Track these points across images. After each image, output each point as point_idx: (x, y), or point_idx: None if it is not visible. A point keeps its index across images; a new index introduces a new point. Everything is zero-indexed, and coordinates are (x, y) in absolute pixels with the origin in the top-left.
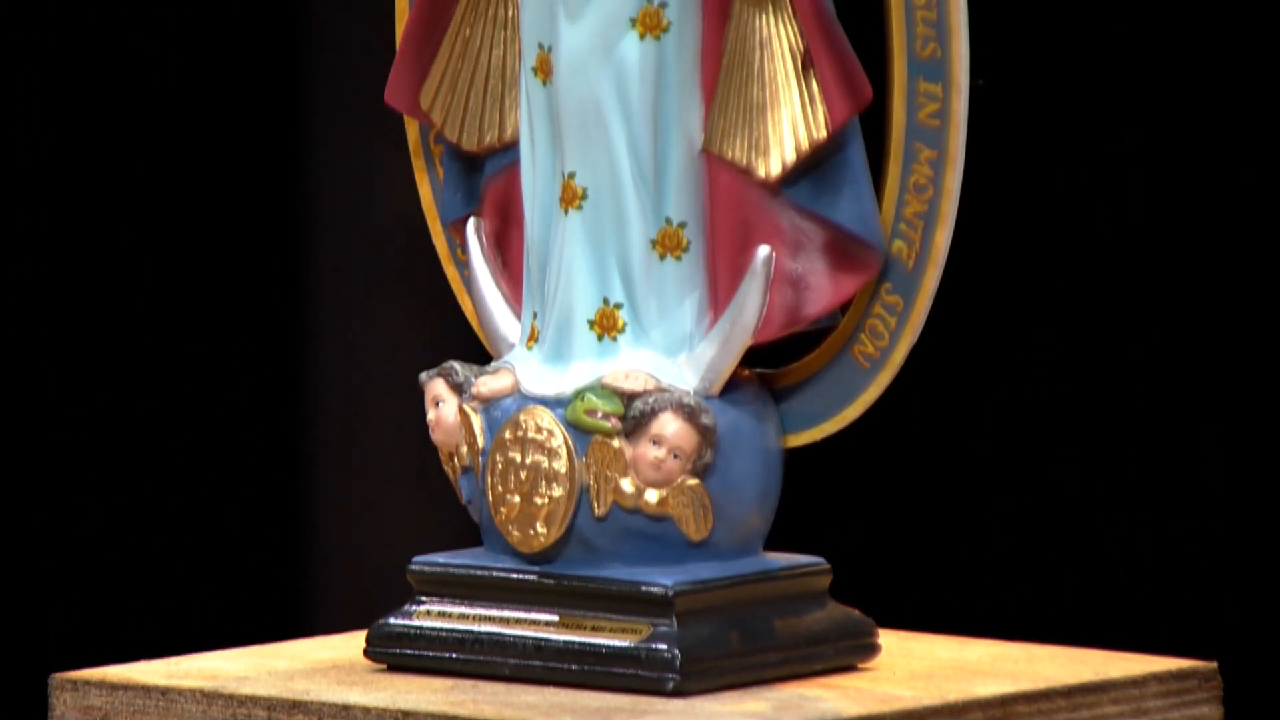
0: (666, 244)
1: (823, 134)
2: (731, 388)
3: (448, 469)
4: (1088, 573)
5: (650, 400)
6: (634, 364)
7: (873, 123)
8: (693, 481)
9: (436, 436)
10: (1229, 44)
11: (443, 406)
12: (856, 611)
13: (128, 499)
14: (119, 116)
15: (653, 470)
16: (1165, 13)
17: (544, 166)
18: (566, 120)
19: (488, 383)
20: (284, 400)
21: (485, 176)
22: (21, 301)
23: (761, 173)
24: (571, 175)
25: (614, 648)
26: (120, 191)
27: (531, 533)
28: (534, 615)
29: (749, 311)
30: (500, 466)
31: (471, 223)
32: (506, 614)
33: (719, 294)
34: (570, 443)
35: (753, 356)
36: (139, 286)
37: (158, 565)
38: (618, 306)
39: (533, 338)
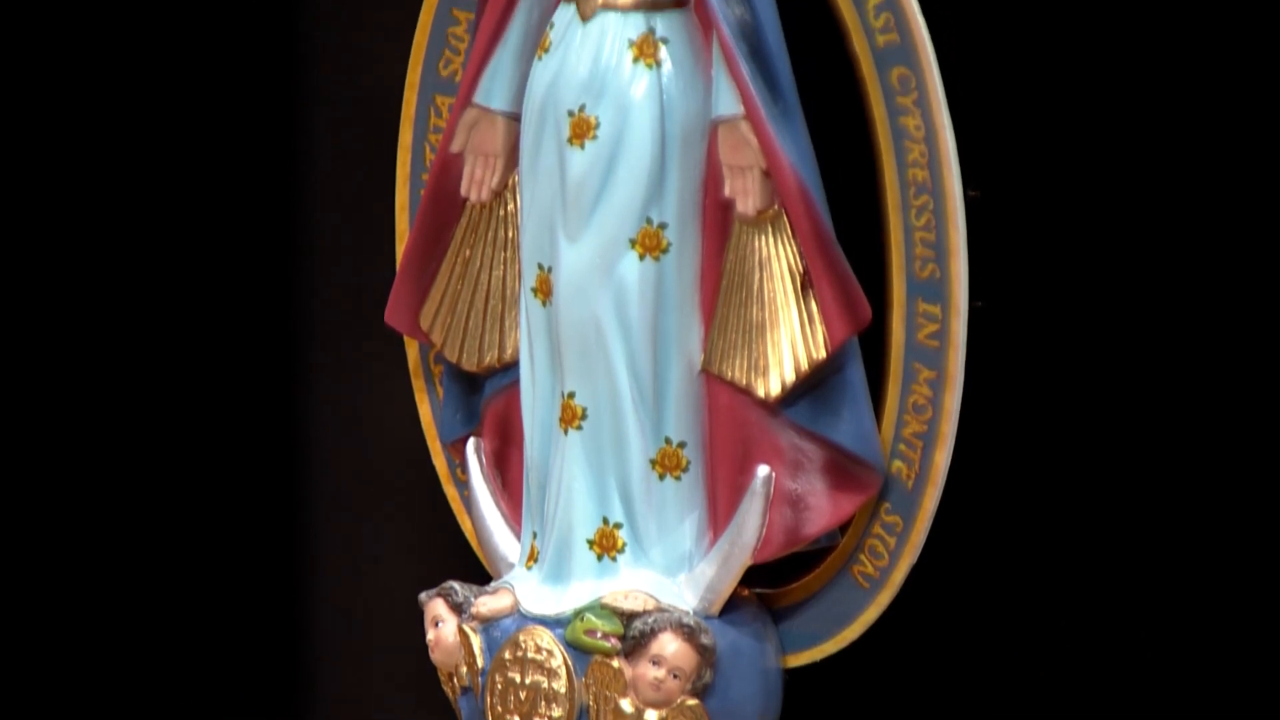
0: (666, 464)
1: (822, 354)
2: (731, 607)
3: (447, 689)
4: None
5: (650, 620)
6: (634, 584)
7: (872, 343)
8: (692, 702)
9: (436, 656)
10: (1227, 144)
11: (442, 626)
12: None
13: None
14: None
15: (652, 690)
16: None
17: (543, 386)
18: (566, 340)
19: (487, 603)
20: (286, 626)
21: (485, 396)
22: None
23: (761, 392)
24: (571, 395)
25: None
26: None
27: None
28: None
29: (749, 531)
30: (500, 686)
31: (471, 443)
32: None
33: (718, 513)
34: (570, 663)
35: (752, 575)
36: (144, 521)
37: None
38: (617, 526)
39: (532, 557)
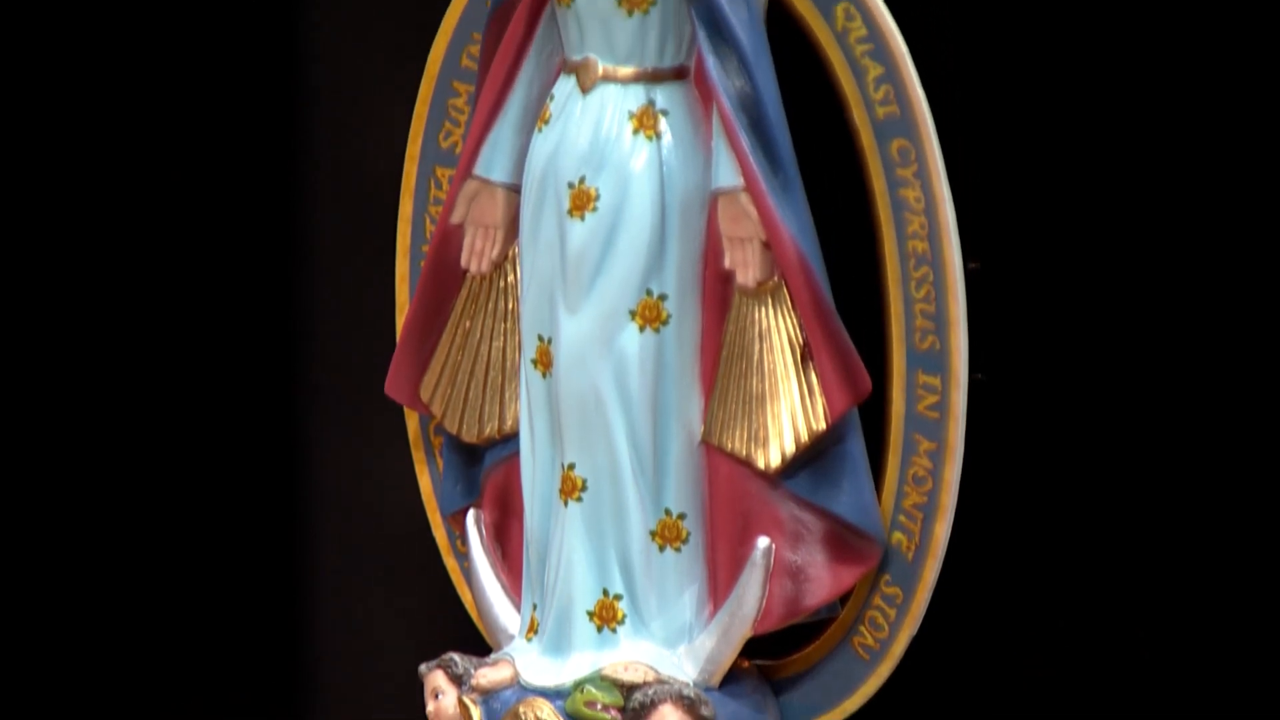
0: (666, 535)
1: (822, 425)
2: (731, 679)
3: None
4: None
5: (650, 692)
6: (634, 655)
7: (872, 414)
8: None
9: None
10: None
11: (443, 698)
12: None
13: None
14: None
15: None
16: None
17: (543, 458)
18: (566, 411)
19: (487, 674)
20: (287, 702)
21: (485, 468)
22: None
23: (761, 464)
24: (571, 466)
25: None
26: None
27: None
28: None
29: (749, 603)
30: None
31: (471, 514)
32: None
33: (718, 585)
34: None
35: (752, 646)
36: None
37: None
38: (617, 598)
39: (532, 629)
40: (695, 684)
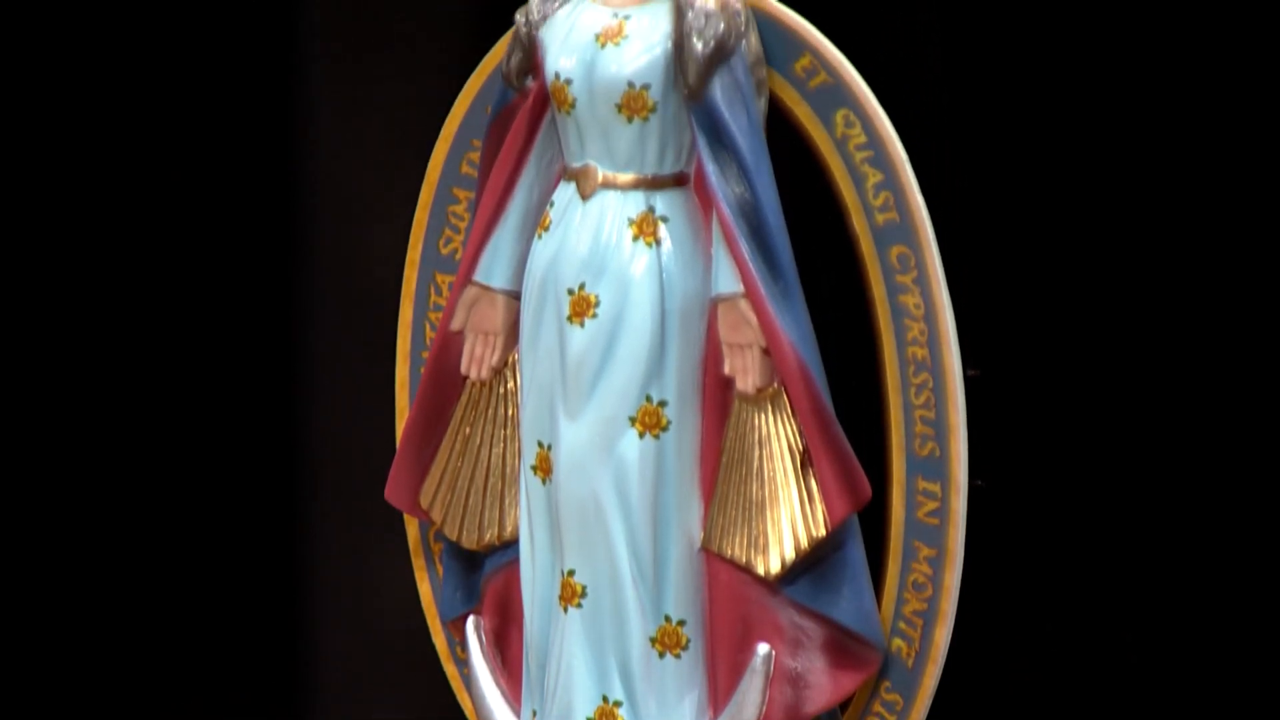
0: (666, 642)
1: (822, 531)
2: None
3: None
4: None
5: None
6: None
7: (872, 520)
8: None
9: None
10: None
11: None
12: None
13: None
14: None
15: None
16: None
17: (543, 564)
18: (566, 518)
19: None
20: None
21: (485, 574)
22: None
23: (761, 570)
24: (571, 573)
25: None
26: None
27: None
28: None
29: (749, 709)
30: None
31: (471, 621)
32: None
33: (718, 691)
34: None
35: None
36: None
37: None
38: (617, 704)
39: None
40: None
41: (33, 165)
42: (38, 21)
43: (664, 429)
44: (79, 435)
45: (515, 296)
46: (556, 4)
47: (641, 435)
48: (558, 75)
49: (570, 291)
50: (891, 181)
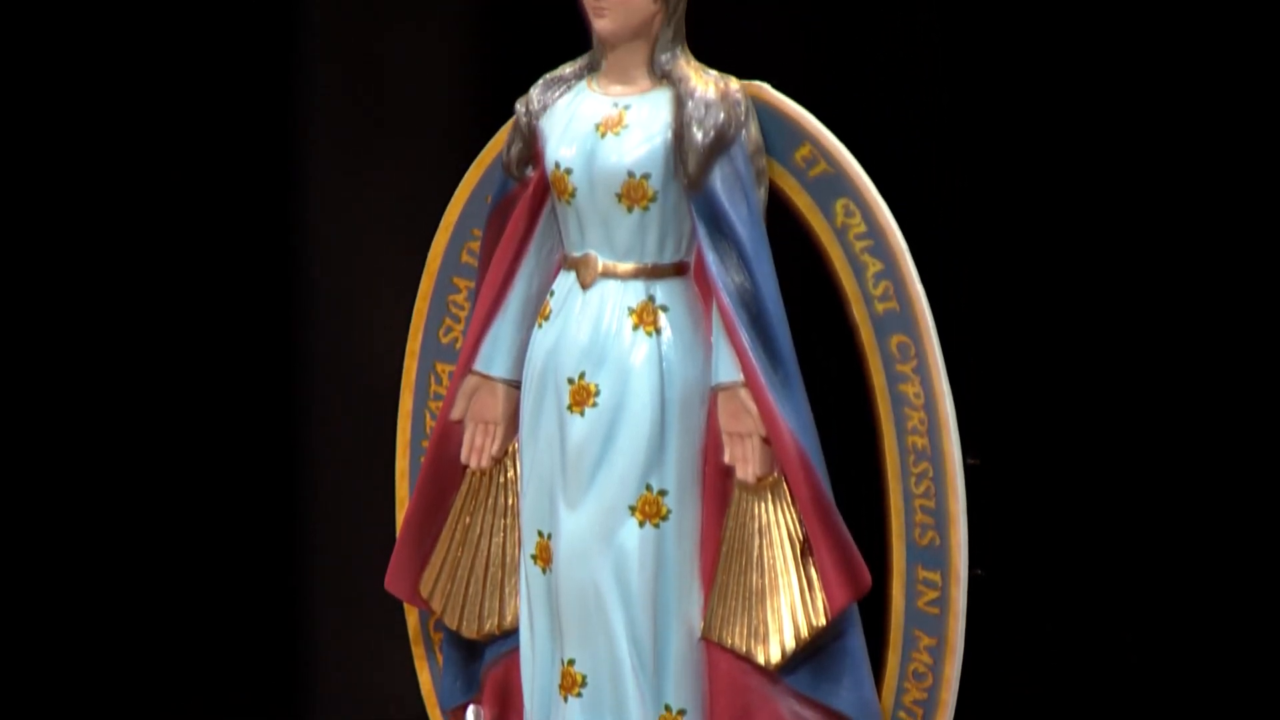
0: None
1: (822, 621)
2: None
3: None
4: None
5: None
6: None
7: (872, 609)
8: None
9: None
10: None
11: None
12: None
13: None
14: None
15: None
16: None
17: (543, 653)
18: (566, 607)
19: None
20: None
21: (485, 663)
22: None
23: (761, 660)
24: (571, 662)
25: None
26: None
27: None
28: None
29: None
30: None
31: (471, 710)
32: None
33: None
34: None
35: None
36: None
37: None
38: None
39: None
40: None
41: (39, 267)
42: (39, 116)
43: (664, 518)
44: (88, 534)
45: (515, 386)
46: (557, 94)
47: (641, 524)
48: (558, 165)
49: (570, 380)
50: (891, 271)
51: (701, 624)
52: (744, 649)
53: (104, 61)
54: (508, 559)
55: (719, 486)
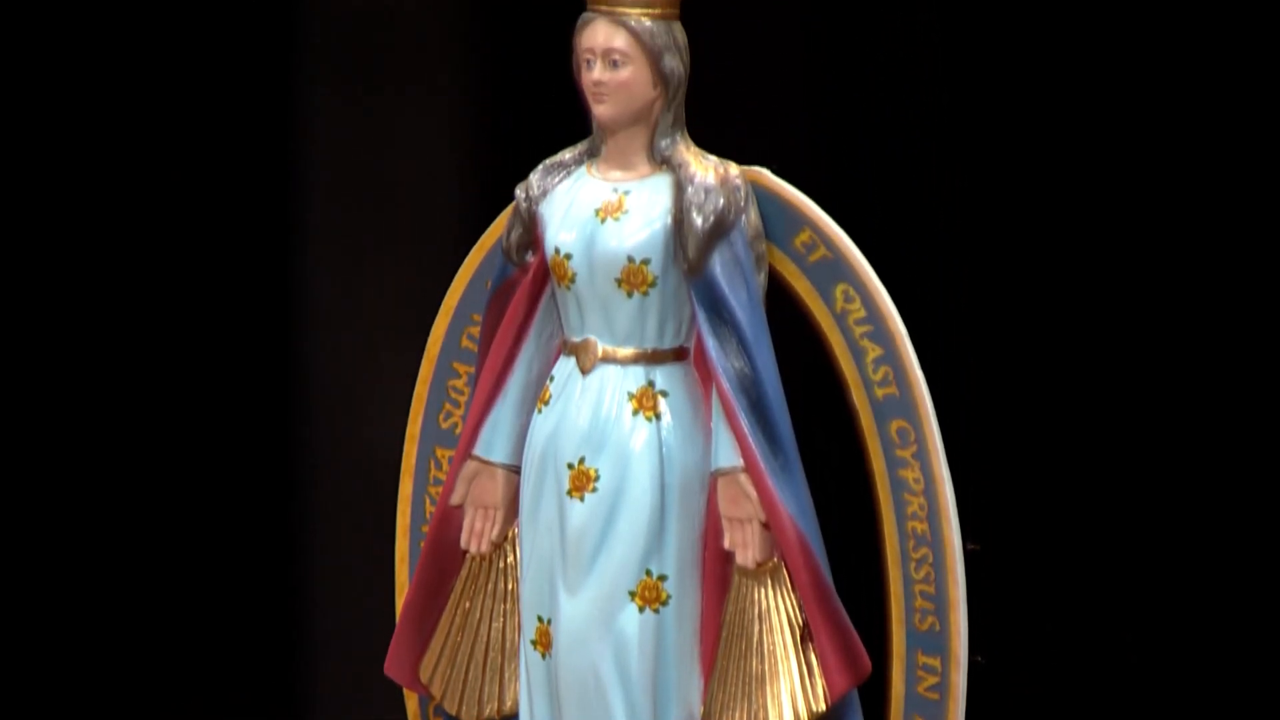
0: None
1: (822, 706)
2: None
3: None
4: None
5: None
6: None
7: (872, 694)
8: None
9: None
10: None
11: None
12: None
13: None
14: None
15: None
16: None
17: None
18: (566, 692)
19: None
20: None
21: None
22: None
23: None
24: None
25: None
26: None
27: None
28: None
29: None
30: None
31: None
32: None
33: None
34: None
35: None
36: None
37: None
38: None
39: None
40: None
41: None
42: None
43: (664, 603)
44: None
45: (515, 471)
46: (556, 179)
47: (641, 609)
48: (558, 250)
49: (570, 465)
50: (891, 356)
51: (702, 709)
52: None
53: (105, 153)
54: (507, 644)
55: (719, 571)
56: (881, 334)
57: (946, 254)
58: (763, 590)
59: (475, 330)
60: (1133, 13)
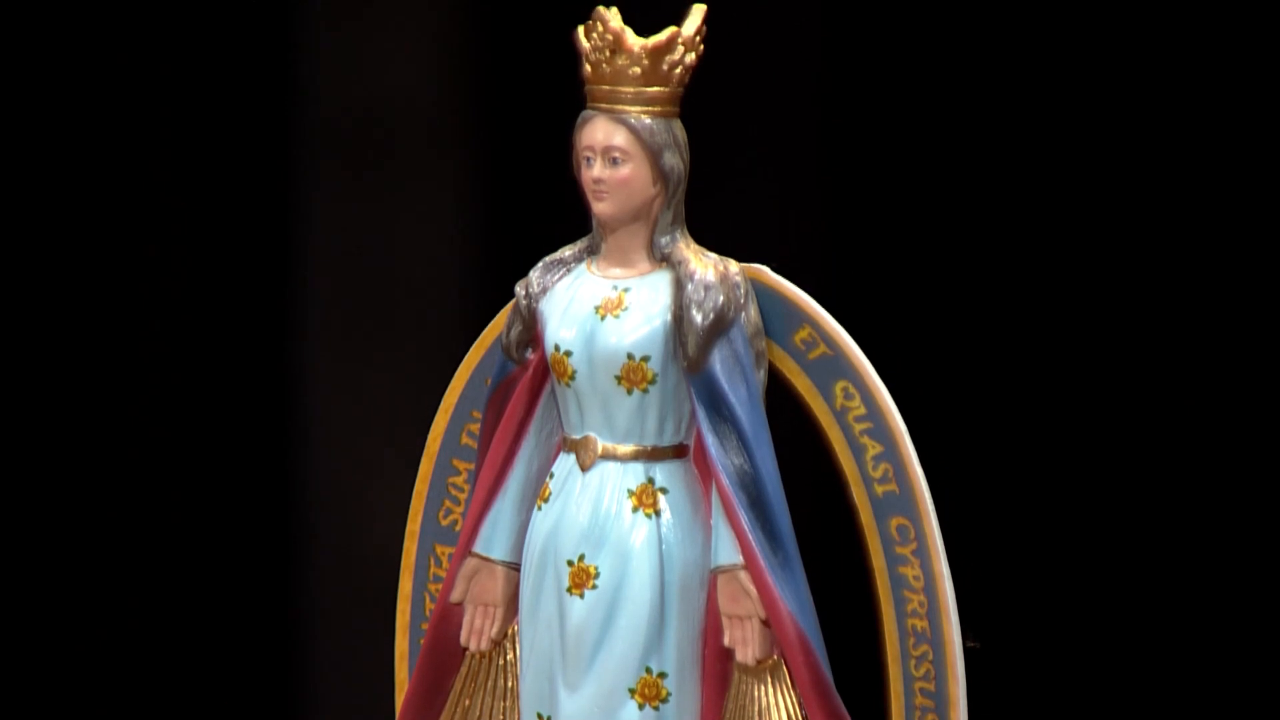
0: None
1: None
2: None
3: None
4: None
5: None
6: None
7: None
8: None
9: None
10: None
11: None
12: None
13: None
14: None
15: None
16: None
17: None
18: None
19: None
20: None
21: None
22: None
23: None
24: None
25: None
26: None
27: None
28: None
29: None
30: None
31: None
32: None
33: None
34: None
35: None
36: None
37: None
38: None
39: None
40: None
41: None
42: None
43: (664, 700)
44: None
45: (515, 568)
46: (556, 276)
47: (641, 707)
48: (558, 347)
49: (570, 562)
50: (891, 453)
51: None
52: None
53: (106, 242)
54: None
55: (719, 668)
56: (881, 431)
57: (946, 350)
58: (763, 687)
59: (475, 427)
60: (1121, 95)
